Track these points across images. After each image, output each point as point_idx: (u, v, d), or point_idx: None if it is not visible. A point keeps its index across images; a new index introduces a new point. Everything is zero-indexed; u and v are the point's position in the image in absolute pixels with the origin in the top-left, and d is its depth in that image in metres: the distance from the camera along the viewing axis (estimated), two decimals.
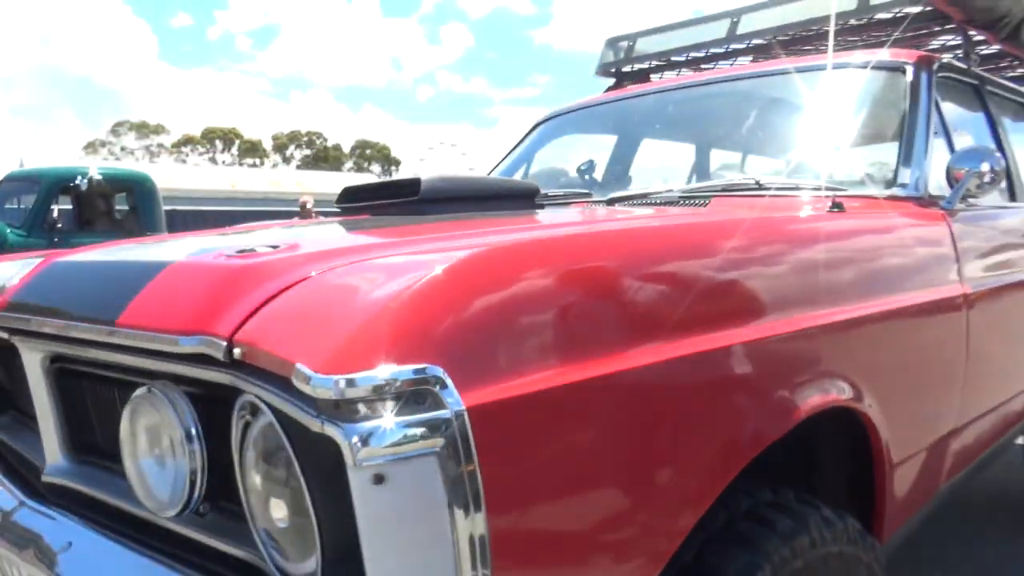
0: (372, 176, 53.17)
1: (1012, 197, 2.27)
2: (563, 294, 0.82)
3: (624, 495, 0.82)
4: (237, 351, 0.78)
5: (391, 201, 1.61)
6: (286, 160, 75.42)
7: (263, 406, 0.74)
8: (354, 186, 1.79)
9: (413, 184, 1.60)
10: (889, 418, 1.29)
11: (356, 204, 1.75)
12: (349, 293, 0.78)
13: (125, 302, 0.96)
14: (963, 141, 2.11)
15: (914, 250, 1.55)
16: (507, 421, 0.70)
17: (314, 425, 0.66)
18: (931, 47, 2.84)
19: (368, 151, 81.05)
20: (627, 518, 0.82)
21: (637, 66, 3.15)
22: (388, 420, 0.64)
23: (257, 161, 71.29)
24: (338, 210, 1.82)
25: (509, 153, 2.93)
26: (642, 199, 2.00)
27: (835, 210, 1.52)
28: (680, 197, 1.94)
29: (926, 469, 1.54)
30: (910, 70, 2.01)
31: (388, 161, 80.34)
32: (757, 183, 1.82)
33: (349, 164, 75.86)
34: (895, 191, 1.75)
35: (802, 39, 2.76)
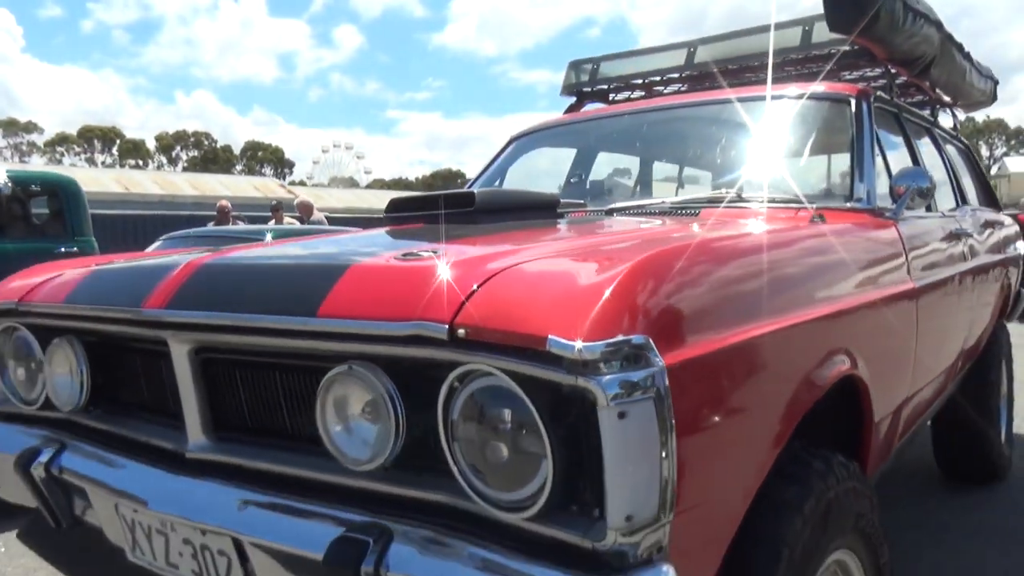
0: (267, 177, 51.84)
1: (929, 208, 2.72)
2: (712, 286, 1.11)
3: (748, 426, 1.12)
4: (461, 331, 1.01)
5: (449, 211, 1.84)
6: (172, 161, 72.31)
7: (494, 370, 0.98)
8: (402, 198, 2.01)
9: (468, 197, 1.84)
10: (872, 385, 1.64)
11: (406, 214, 1.98)
12: (559, 281, 1.04)
13: (320, 298, 1.16)
14: (893, 160, 2.52)
15: (878, 252, 1.92)
16: (687, 375, 0.98)
17: (566, 380, 0.91)
18: (847, 78, 3.29)
19: (260, 153, 78.86)
20: (747, 444, 1.12)
21: (598, 87, 3.48)
22: (623, 375, 0.90)
23: (140, 162, 68.04)
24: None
25: (489, 165, 3.18)
26: (639, 209, 2.31)
27: (818, 220, 1.87)
28: (672, 208, 2.26)
29: (891, 428, 1.92)
30: (854, 101, 2.40)
31: (281, 163, 78.45)
32: (739, 196, 2.15)
33: (239, 166, 73.61)
34: (853, 204, 2.12)
35: (748, 68, 3.15)
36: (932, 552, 2.78)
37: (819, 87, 2.52)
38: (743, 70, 3.16)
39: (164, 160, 72.33)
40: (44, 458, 1.62)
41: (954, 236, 2.69)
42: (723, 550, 1.12)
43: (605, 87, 3.50)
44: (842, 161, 2.41)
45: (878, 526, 1.56)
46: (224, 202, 9.89)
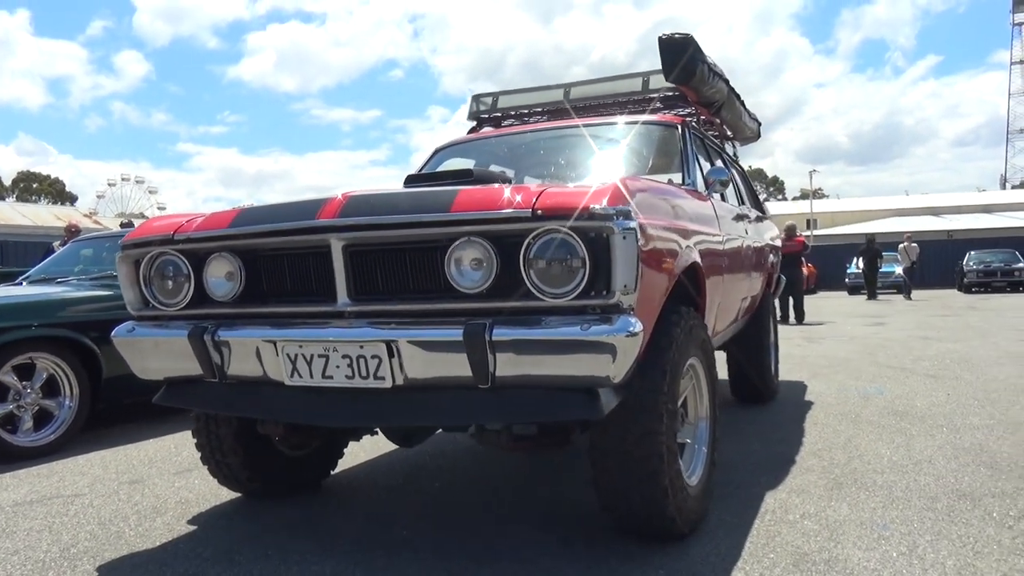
0: (42, 205, 48.23)
1: (723, 199, 4.15)
2: (651, 197, 2.31)
3: (664, 259, 2.32)
4: (539, 211, 2.10)
5: (454, 179, 2.89)
6: None
7: (559, 226, 2.08)
8: (417, 173, 3.04)
9: (467, 172, 2.91)
10: (707, 276, 2.91)
11: (423, 183, 3.00)
12: (582, 187, 2.16)
13: (448, 205, 2.20)
14: (705, 166, 3.91)
15: (703, 211, 3.23)
16: (644, 229, 2.15)
17: (598, 224, 2.02)
18: (670, 113, 4.72)
19: (36, 184, 72.21)
20: (663, 267, 2.32)
21: (495, 115, 4.66)
22: (622, 221, 2.04)
23: None
24: None
25: (422, 168, 4.23)
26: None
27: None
28: None
29: (717, 312, 3.22)
30: (680, 127, 3.76)
31: (61, 196, 72.30)
32: None
33: (11, 198, 66.97)
34: (687, 187, 3.44)
35: (604, 105, 4.47)
36: (739, 434, 4.16)
37: (658, 117, 3.86)
38: (602, 106, 4.48)
39: None
40: (208, 332, 2.46)
41: (740, 217, 4.14)
42: (652, 324, 2.29)
43: (500, 115, 4.69)
44: (676, 163, 3.76)
45: (712, 352, 2.82)
46: (74, 221, 9.95)
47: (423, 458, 3.79)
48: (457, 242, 2.20)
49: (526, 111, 4.66)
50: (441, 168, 4.21)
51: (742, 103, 4.88)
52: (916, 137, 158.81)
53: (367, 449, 3.90)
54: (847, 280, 22.93)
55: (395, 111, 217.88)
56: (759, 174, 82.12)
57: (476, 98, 4.72)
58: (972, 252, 22.70)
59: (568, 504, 2.97)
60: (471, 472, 3.56)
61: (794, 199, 60.78)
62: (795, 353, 7.86)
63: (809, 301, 17.93)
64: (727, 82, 4.32)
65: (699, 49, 3.78)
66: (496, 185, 2.36)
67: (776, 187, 79.93)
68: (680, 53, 3.69)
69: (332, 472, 3.40)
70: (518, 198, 2.15)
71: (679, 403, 2.65)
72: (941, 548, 2.40)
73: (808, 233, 40.95)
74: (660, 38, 3.72)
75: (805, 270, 23.16)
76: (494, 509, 2.97)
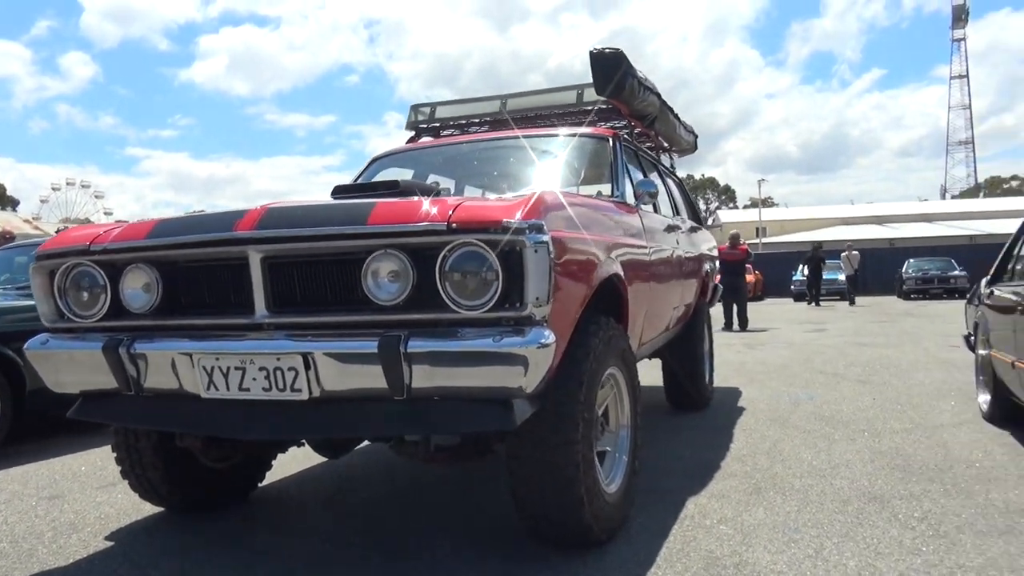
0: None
1: (655, 211, 4.23)
2: (567, 211, 2.35)
3: (579, 273, 2.36)
4: (454, 225, 2.13)
5: (380, 191, 2.90)
6: None
7: (473, 239, 2.11)
8: (346, 184, 3.04)
9: (394, 184, 2.93)
10: (630, 288, 2.97)
11: (350, 194, 3.01)
12: (498, 201, 2.19)
13: (365, 218, 2.22)
14: (634, 177, 3.98)
15: (630, 222, 3.30)
16: (557, 242, 2.19)
17: (511, 238, 2.06)
18: (605, 125, 4.80)
19: None
20: (579, 280, 2.36)
21: (434, 124, 4.69)
22: (534, 235, 2.08)
23: None
24: None
25: (358, 177, 4.23)
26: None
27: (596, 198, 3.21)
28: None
29: (642, 323, 3.28)
30: (611, 139, 3.83)
31: (2, 200, 70.13)
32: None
33: None
34: (614, 197, 3.50)
35: (541, 116, 4.53)
36: (669, 441, 4.24)
37: (591, 130, 3.93)
38: (538, 117, 4.54)
39: None
40: (123, 345, 2.44)
41: (672, 228, 4.22)
42: (568, 335, 2.33)
43: (438, 125, 4.71)
44: (607, 175, 3.83)
45: (633, 361, 2.88)
46: (8, 227, 9.69)
47: (354, 469, 3.78)
48: (374, 255, 2.22)
49: (464, 121, 4.69)
50: (376, 178, 4.23)
51: (676, 116, 4.99)
52: (862, 148, 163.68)
53: (300, 460, 3.87)
54: (792, 287, 23.45)
55: (350, 116, 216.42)
56: (711, 183, 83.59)
57: (415, 108, 4.74)
58: (911, 260, 23.41)
59: (489, 513, 3.00)
60: (399, 483, 3.57)
61: (745, 207, 62.00)
62: (735, 359, 8.03)
63: (755, 307, 18.35)
64: (659, 96, 4.41)
65: (629, 64, 3.86)
66: (415, 198, 2.38)
67: (728, 195, 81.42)
68: (610, 67, 3.77)
69: (260, 485, 3.37)
70: (434, 211, 2.18)
71: (600, 412, 2.70)
72: (846, 549, 2.48)
73: (757, 241, 41.81)
74: (591, 52, 3.80)
75: (752, 277, 23.96)
76: (418, 520, 2.98)
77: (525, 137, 4.01)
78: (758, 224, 44.50)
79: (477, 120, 4.66)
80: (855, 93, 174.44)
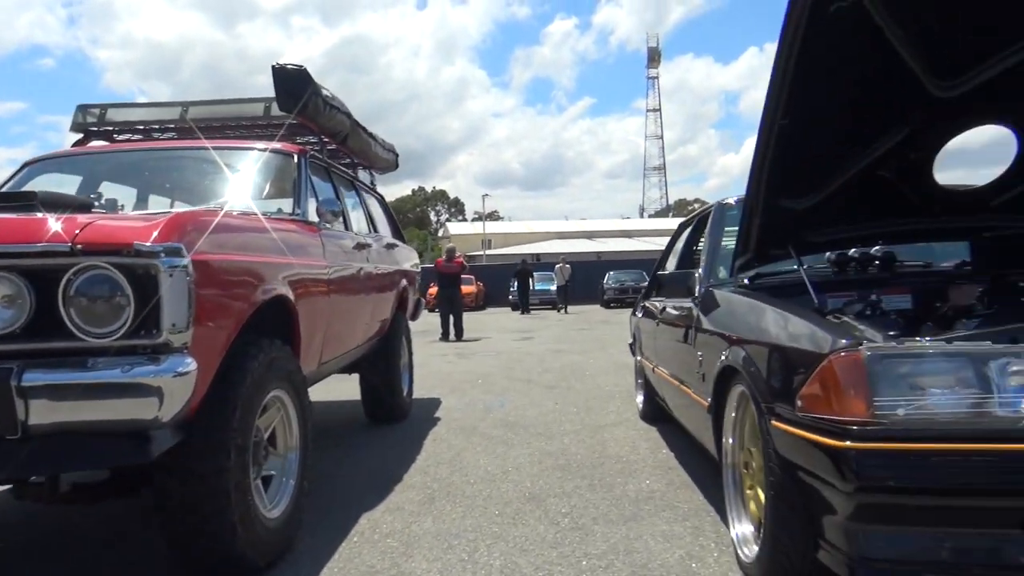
0: None
1: (347, 228, 4.26)
2: (213, 232, 2.27)
3: (231, 294, 2.30)
4: (79, 246, 1.98)
5: (13, 203, 2.60)
6: None
7: (100, 262, 1.97)
8: None
9: (30, 195, 2.64)
10: (301, 310, 2.97)
11: None
12: (133, 221, 2.06)
13: None
14: (322, 195, 3.98)
15: (308, 243, 3.29)
16: (200, 264, 2.12)
17: (144, 262, 1.96)
18: (299, 140, 4.74)
19: None
20: (230, 304, 2.30)
21: (105, 128, 4.30)
22: (170, 259, 1.99)
23: None
24: None
25: (4, 184, 3.75)
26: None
27: (272, 219, 3.16)
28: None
29: (320, 343, 3.29)
30: (296, 156, 3.80)
31: None
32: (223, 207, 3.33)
33: None
34: (294, 216, 3.47)
35: (228, 127, 4.36)
36: (359, 454, 4.28)
37: (278, 145, 3.86)
38: (225, 127, 4.36)
39: None
40: None
41: (362, 246, 4.28)
42: (218, 360, 2.27)
43: (110, 129, 4.33)
44: (291, 192, 3.78)
45: (303, 383, 2.88)
46: None
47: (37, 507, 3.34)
48: None
49: (142, 127, 4.36)
50: (29, 186, 3.78)
51: (371, 135, 5.07)
52: (576, 168, 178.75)
53: None
54: (510, 297, 24.90)
55: (45, 105, 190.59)
56: (442, 195, 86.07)
57: (83, 108, 4.31)
58: (611, 272, 25.98)
59: (144, 546, 2.81)
60: (44, 527, 3.22)
61: (473, 220, 64.68)
62: (445, 369, 8.34)
63: (475, 317, 19.23)
64: (349, 115, 4.46)
65: (314, 82, 3.85)
66: (39, 214, 2.17)
67: (457, 208, 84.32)
68: (293, 84, 3.74)
69: None
70: (58, 230, 2.01)
71: (266, 435, 2.67)
72: (496, 550, 2.69)
73: (482, 252, 43.79)
74: (274, 68, 3.74)
75: (474, 288, 25.09)
76: (77, 560, 2.71)
77: (210, 149, 3.84)
78: (484, 236, 46.65)
79: (158, 127, 4.36)
80: (570, 118, 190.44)
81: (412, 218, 79.44)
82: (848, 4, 2.05)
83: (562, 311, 21.89)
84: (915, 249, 3.25)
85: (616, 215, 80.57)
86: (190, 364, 2.06)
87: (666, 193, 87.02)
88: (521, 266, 21.27)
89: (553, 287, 23.38)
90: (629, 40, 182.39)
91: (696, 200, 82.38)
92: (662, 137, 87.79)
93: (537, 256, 37.88)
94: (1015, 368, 1.65)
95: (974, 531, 1.68)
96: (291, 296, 2.85)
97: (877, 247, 2.90)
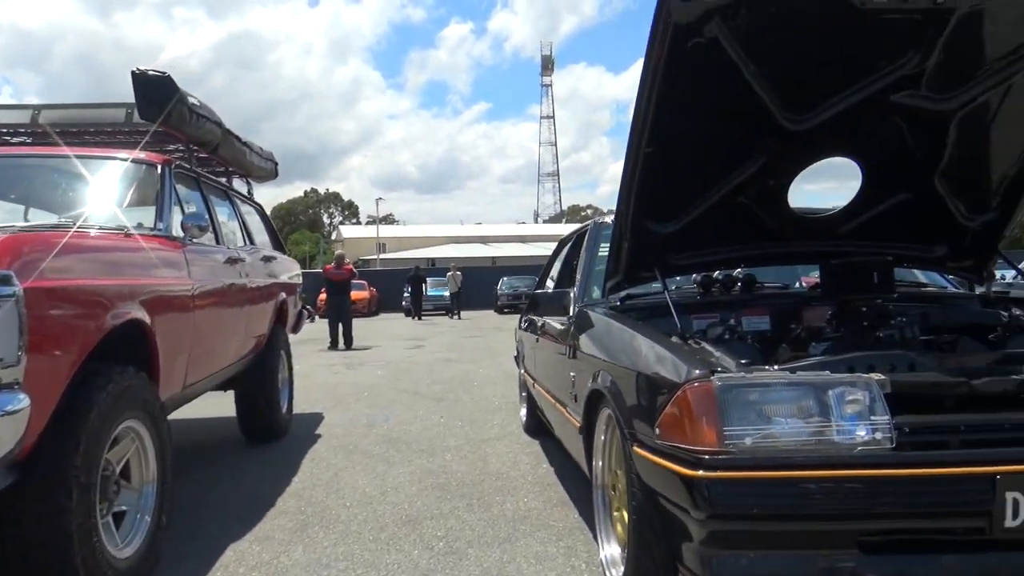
0: None
1: (218, 241, 4.08)
2: (55, 256, 2.10)
3: (72, 325, 2.14)
4: None
5: None
6: None
7: None
8: None
9: None
10: (160, 334, 2.81)
11: None
12: None
13: None
14: (189, 207, 3.79)
15: (169, 260, 3.12)
16: (34, 293, 1.96)
17: None
18: (168, 149, 4.51)
19: None
20: (71, 336, 2.14)
21: None
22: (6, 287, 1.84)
23: None
24: None
25: None
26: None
27: (128, 236, 2.98)
28: (23, 228, 3.07)
29: (182, 366, 3.12)
30: (160, 166, 3.60)
31: None
32: (74, 223, 3.11)
33: None
34: (155, 231, 3.28)
35: (87, 132, 4.09)
36: (230, 478, 4.10)
37: (141, 155, 3.64)
38: (82, 133, 4.09)
39: None
40: None
41: (233, 260, 4.10)
42: (59, 392, 2.11)
43: None
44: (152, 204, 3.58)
45: (161, 411, 2.72)
46: None
47: None
48: None
49: None
50: None
51: (245, 143, 4.88)
52: (471, 172, 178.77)
53: None
54: (403, 303, 24.68)
55: None
56: (336, 197, 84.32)
57: None
58: (505, 278, 26.14)
59: None
60: None
61: (367, 223, 63.67)
62: (330, 381, 8.14)
63: (367, 324, 18.93)
64: (219, 124, 4.27)
65: (179, 90, 3.67)
66: None
67: (351, 211, 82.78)
68: (155, 91, 3.54)
69: None
70: None
71: (119, 469, 2.51)
72: None
73: (376, 257, 43.19)
74: (134, 73, 3.53)
75: (367, 293, 24.68)
76: None
77: (71, 156, 3.58)
78: (378, 240, 46.03)
79: (8, 131, 4.04)
80: (466, 122, 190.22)
81: (304, 220, 77.46)
82: (706, 41, 2.12)
83: (455, 317, 22.02)
84: (777, 270, 3.42)
85: (511, 220, 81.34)
86: (22, 401, 1.90)
87: (560, 199, 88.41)
88: (414, 272, 21.64)
89: (446, 293, 23.43)
90: (524, 47, 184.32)
91: (589, 206, 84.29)
92: (556, 144, 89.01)
93: (432, 261, 37.74)
94: (851, 397, 1.73)
95: (818, 553, 1.76)
96: (147, 319, 2.69)
97: (739, 270, 3.02)
